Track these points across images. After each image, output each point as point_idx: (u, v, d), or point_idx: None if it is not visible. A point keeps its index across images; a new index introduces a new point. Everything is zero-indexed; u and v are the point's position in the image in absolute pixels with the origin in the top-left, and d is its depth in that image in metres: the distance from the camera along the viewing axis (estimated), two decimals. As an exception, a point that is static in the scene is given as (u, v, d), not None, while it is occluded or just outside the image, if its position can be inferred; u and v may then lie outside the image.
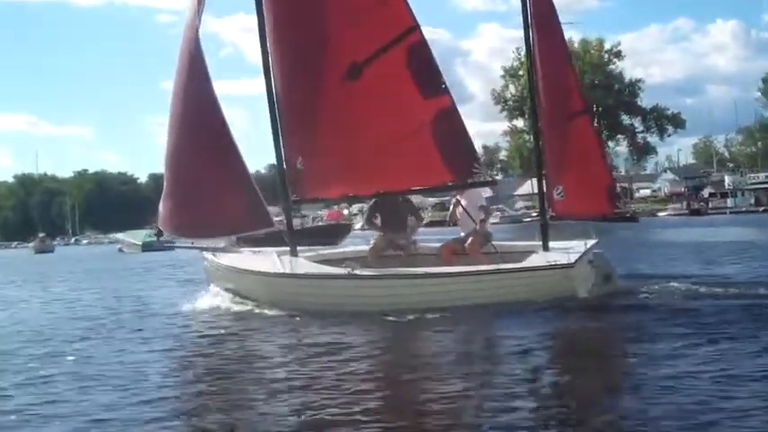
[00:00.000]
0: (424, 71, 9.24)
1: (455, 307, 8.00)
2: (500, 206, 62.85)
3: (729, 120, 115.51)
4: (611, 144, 72.80)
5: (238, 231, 10.85)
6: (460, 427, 4.46)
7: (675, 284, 9.19)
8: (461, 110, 9.55)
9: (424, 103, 9.17)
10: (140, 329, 8.60)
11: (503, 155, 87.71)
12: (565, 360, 6.34)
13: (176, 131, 10.28)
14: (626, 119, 74.72)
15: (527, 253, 9.40)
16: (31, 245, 72.18)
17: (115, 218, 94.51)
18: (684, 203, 64.96)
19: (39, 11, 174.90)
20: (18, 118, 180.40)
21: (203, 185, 9.96)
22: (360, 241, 15.47)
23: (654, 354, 5.83)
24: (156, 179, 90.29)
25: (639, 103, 73.64)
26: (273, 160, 10.16)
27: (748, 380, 4.89)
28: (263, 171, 77.33)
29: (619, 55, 73.29)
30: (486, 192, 12.88)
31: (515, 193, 73.72)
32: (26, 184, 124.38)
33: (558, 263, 8.43)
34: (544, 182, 10.06)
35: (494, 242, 9.86)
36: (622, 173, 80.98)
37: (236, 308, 9.41)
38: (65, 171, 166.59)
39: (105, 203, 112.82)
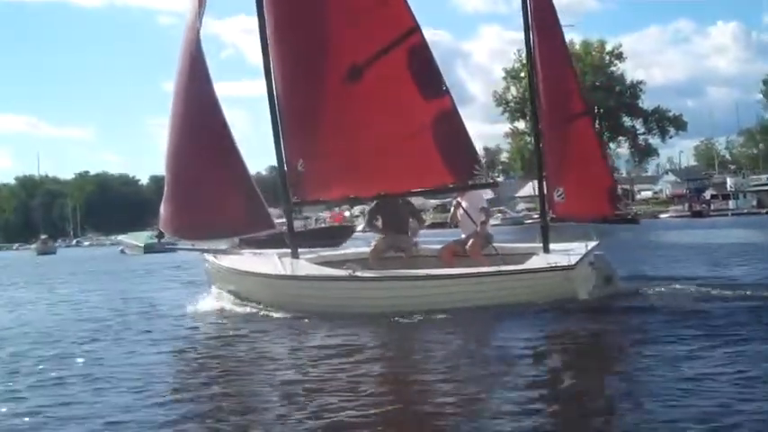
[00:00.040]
0: (425, 72, 9.23)
1: (456, 309, 7.99)
2: (501, 208, 62.85)
3: (730, 122, 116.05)
4: (612, 146, 72.82)
5: (239, 233, 10.86)
6: (478, 430, 4.41)
7: (678, 286, 9.16)
8: (462, 111, 9.54)
9: (425, 105, 9.17)
10: (148, 331, 8.59)
11: (504, 156, 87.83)
12: (579, 362, 6.25)
13: (177, 133, 10.29)
14: (627, 120, 74.77)
15: (528, 255, 9.40)
16: (33, 246, 72.41)
17: (116, 219, 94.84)
18: (686, 205, 64.93)
19: (39, 11, 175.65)
20: (18, 119, 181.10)
21: (204, 187, 9.97)
22: (361, 243, 15.48)
23: (664, 355, 5.79)
24: (157, 181, 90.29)
25: (641, 104, 73.69)
26: (274, 162, 10.18)
27: (766, 382, 4.86)
28: (263, 173, 77.46)
29: (620, 57, 73.39)
30: (488, 193, 12.84)
31: (517, 195, 73.68)
32: (27, 185, 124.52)
33: (558, 265, 8.41)
34: (545, 184, 10.05)
35: (494, 244, 9.85)
36: (623, 174, 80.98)
37: (243, 310, 9.36)
38: (66, 173, 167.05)
39: (106, 205, 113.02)
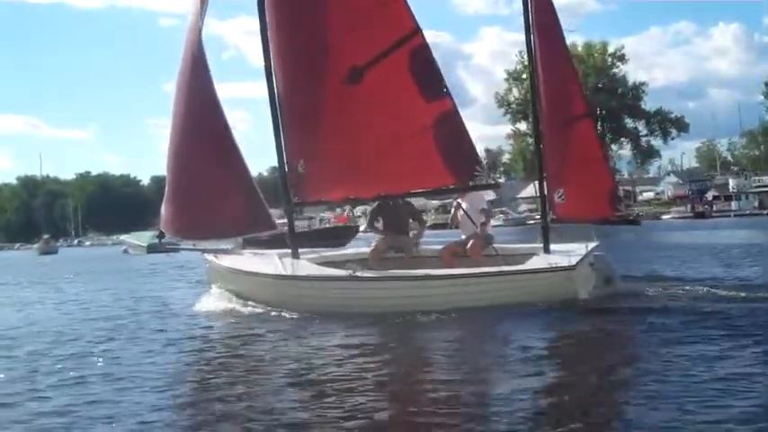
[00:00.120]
0: (426, 74, 9.25)
1: (456, 309, 8.00)
2: (504, 209, 62.90)
3: (732, 123, 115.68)
4: (614, 147, 72.83)
5: (240, 233, 10.89)
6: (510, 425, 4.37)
7: (679, 287, 9.18)
8: (463, 113, 9.56)
9: (426, 107, 9.18)
10: (162, 330, 8.58)
11: (506, 158, 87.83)
12: (592, 362, 6.18)
13: (178, 134, 10.31)
14: (630, 122, 74.70)
15: (528, 255, 9.42)
16: (35, 246, 72.45)
17: (117, 220, 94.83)
18: (689, 206, 64.90)
19: (40, 12, 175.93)
20: (18, 119, 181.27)
21: (205, 187, 9.98)
22: (362, 244, 15.48)
23: (690, 355, 5.70)
24: (158, 181, 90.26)
25: (643, 106, 73.63)
26: (275, 163, 10.19)
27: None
28: (265, 174, 77.46)
29: (622, 58, 73.37)
30: (490, 194, 12.85)
31: (518, 196, 73.70)
32: (29, 185, 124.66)
33: (559, 265, 8.42)
34: (545, 185, 10.06)
35: (495, 245, 9.87)
36: (625, 176, 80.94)
37: (256, 309, 9.29)
38: (66, 173, 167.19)
39: (108, 205, 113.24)
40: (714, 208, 63.79)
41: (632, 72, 78.75)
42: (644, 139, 74.89)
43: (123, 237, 54.51)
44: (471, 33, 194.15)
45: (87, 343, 7.90)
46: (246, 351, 7.14)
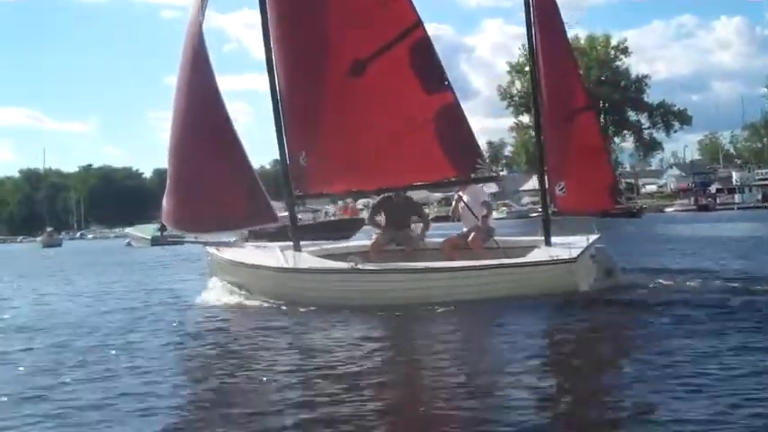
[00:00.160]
0: (428, 67, 9.25)
1: (458, 302, 8.02)
2: (506, 201, 62.89)
3: (735, 116, 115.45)
4: (617, 140, 72.62)
5: (241, 226, 10.89)
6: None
7: (680, 279, 9.21)
8: (465, 106, 9.58)
9: (428, 99, 9.19)
10: (181, 323, 8.55)
11: (508, 151, 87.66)
12: (593, 354, 6.19)
13: (180, 126, 10.32)
14: (632, 115, 74.45)
15: (529, 248, 9.43)
16: (38, 239, 72.57)
17: (120, 212, 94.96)
18: (692, 199, 64.83)
19: (41, 5, 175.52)
20: (20, 112, 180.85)
21: (206, 180, 9.99)
22: (362, 236, 15.46)
23: (694, 347, 5.69)
24: (160, 174, 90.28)
25: (646, 99, 73.42)
26: (277, 156, 10.20)
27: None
28: (267, 167, 77.35)
29: (625, 51, 73.01)
30: (492, 187, 12.89)
31: (521, 189, 73.68)
32: (32, 178, 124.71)
33: (560, 258, 8.44)
34: (546, 178, 10.07)
35: (496, 237, 9.89)
36: (627, 169, 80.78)
37: (264, 304, 9.20)
38: (68, 166, 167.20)
39: (110, 198, 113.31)
40: (718, 201, 63.71)
41: (635, 65, 78.56)
42: (647, 131, 74.60)
43: (128, 230, 54.67)
44: (473, 26, 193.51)
45: (106, 335, 7.81)
46: (272, 344, 6.89)
